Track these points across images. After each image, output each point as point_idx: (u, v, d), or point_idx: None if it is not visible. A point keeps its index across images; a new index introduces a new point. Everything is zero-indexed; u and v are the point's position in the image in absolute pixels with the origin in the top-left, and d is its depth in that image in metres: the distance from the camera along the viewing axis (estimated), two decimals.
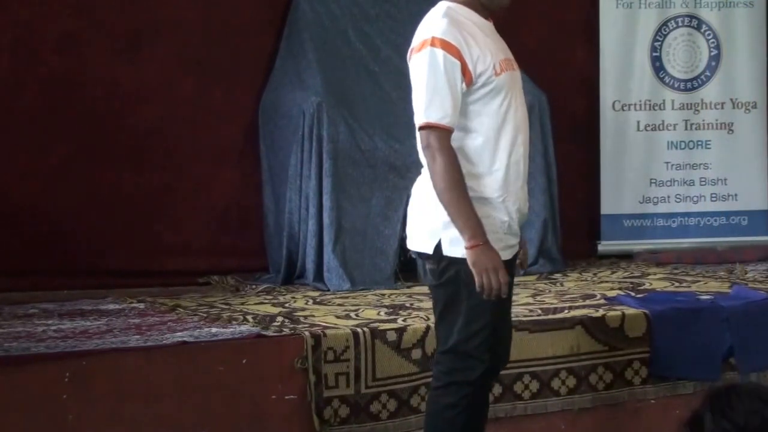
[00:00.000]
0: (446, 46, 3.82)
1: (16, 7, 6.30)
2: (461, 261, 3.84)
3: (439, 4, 3.97)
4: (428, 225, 3.89)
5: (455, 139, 3.86)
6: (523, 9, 7.20)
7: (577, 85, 7.39)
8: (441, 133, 3.81)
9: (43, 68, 6.35)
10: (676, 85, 7.34)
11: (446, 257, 3.86)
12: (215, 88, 6.64)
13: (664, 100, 7.34)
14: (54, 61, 6.36)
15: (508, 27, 6.79)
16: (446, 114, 3.81)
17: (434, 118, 3.81)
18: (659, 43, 7.34)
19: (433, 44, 3.82)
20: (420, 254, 3.98)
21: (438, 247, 3.87)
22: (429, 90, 3.81)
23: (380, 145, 6.28)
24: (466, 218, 3.79)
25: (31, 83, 6.34)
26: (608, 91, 7.29)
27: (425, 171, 3.92)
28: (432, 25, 3.88)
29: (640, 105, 7.33)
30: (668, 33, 7.35)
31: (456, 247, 3.84)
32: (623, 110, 7.31)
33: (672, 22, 7.36)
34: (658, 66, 7.34)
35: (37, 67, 6.34)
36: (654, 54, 7.34)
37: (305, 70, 6.53)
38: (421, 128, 3.84)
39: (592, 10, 7.31)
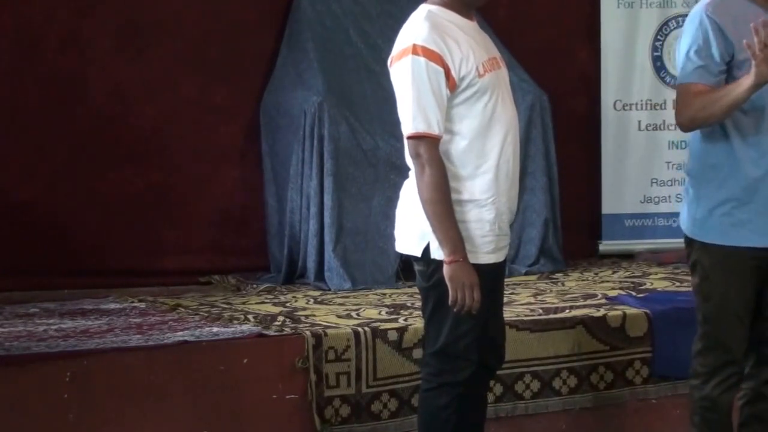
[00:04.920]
0: (428, 53, 3.79)
1: (19, 6, 6.31)
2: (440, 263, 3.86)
3: (420, 7, 3.94)
4: (417, 228, 3.88)
5: (442, 143, 3.86)
6: (525, 9, 7.25)
7: (579, 85, 7.39)
8: (430, 142, 3.81)
9: (45, 67, 6.35)
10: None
11: (435, 260, 3.86)
12: (216, 88, 6.64)
13: (665, 100, 7.34)
14: (56, 61, 6.37)
15: (509, 27, 6.87)
16: (433, 122, 3.80)
17: (422, 127, 3.80)
18: (660, 42, 7.35)
19: (414, 52, 3.79)
20: (409, 257, 3.99)
21: (426, 250, 3.87)
22: (414, 100, 3.79)
23: (381, 144, 6.28)
24: (447, 232, 3.80)
25: (32, 82, 6.34)
26: (609, 91, 7.29)
27: (413, 175, 3.92)
28: (412, 31, 3.85)
29: (641, 105, 7.34)
30: (669, 33, 7.36)
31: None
32: (624, 110, 7.31)
33: (673, 21, 7.36)
34: (659, 66, 7.34)
35: (39, 66, 6.34)
36: (655, 54, 7.34)
37: (306, 70, 6.53)
38: (409, 137, 3.84)
39: (593, 9, 7.31)
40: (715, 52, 3.87)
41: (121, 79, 6.48)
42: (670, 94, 7.33)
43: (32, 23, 6.34)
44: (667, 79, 7.33)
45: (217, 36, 6.65)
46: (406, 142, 3.87)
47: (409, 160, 3.93)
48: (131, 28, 6.51)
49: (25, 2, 6.33)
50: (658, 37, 7.34)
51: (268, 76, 6.72)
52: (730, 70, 3.89)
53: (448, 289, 3.81)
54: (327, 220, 6.19)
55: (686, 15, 7.18)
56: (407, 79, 3.80)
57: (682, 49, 3.95)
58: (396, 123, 4.08)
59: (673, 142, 7.35)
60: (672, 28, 7.35)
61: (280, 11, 6.80)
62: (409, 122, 3.81)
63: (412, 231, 3.92)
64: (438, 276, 3.86)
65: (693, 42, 3.90)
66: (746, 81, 3.75)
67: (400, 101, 3.85)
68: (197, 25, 6.63)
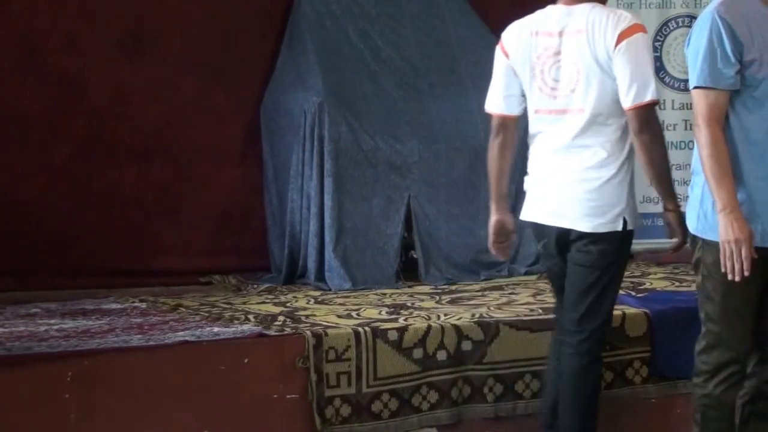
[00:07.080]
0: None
1: (20, 8, 6.31)
2: (628, 234, 4.28)
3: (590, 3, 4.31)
4: (617, 206, 4.23)
5: None
6: (524, 9, 7.24)
7: None
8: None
9: (46, 68, 6.35)
10: (676, 85, 7.35)
11: (622, 232, 4.24)
12: (217, 89, 6.65)
13: (664, 100, 7.34)
14: (56, 62, 6.37)
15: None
16: None
17: (657, 96, 4.24)
18: (659, 43, 7.35)
19: (642, 30, 4.22)
20: (602, 234, 4.23)
21: (625, 223, 4.24)
22: (652, 71, 4.21)
23: (381, 144, 6.28)
24: (671, 183, 4.41)
25: (33, 83, 6.35)
26: None
27: (588, 154, 4.25)
28: (617, 12, 4.24)
29: None
30: (668, 33, 7.36)
31: (634, 220, 4.31)
32: None
33: (672, 22, 7.37)
34: (658, 66, 7.34)
35: (39, 67, 6.34)
36: (654, 54, 7.34)
37: (306, 71, 6.54)
38: (645, 105, 4.19)
39: None
40: (729, 52, 3.86)
41: (121, 79, 6.49)
42: (670, 95, 7.34)
43: (34, 25, 6.34)
44: (667, 79, 7.34)
45: (217, 36, 6.66)
46: (636, 110, 4.18)
47: (614, 136, 4.29)
48: (132, 29, 6.51)
49: (27, 4, 6.33)
50: (658, 37, 7.34)
51: (269, 76, 6.73)
52: (739, 70, 3.89)
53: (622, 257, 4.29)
54: (327, 220, 6.20)
55: (685, 15, 7.36)
56: (645, 52, 4.23)
57: (694, 49, 3.94)
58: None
59: (672, 142, 7.34)
60: (671, 28, 7.36)
61: (280, 12, 6.80)
62: (651, 90, 4.19)
63: (612, 209, 4.25)
64: (620, 246, 4.21)
65: (707, 44, 3.89)
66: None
67: (638, 69, 4.18)
68: (197, 26, 6.63)
